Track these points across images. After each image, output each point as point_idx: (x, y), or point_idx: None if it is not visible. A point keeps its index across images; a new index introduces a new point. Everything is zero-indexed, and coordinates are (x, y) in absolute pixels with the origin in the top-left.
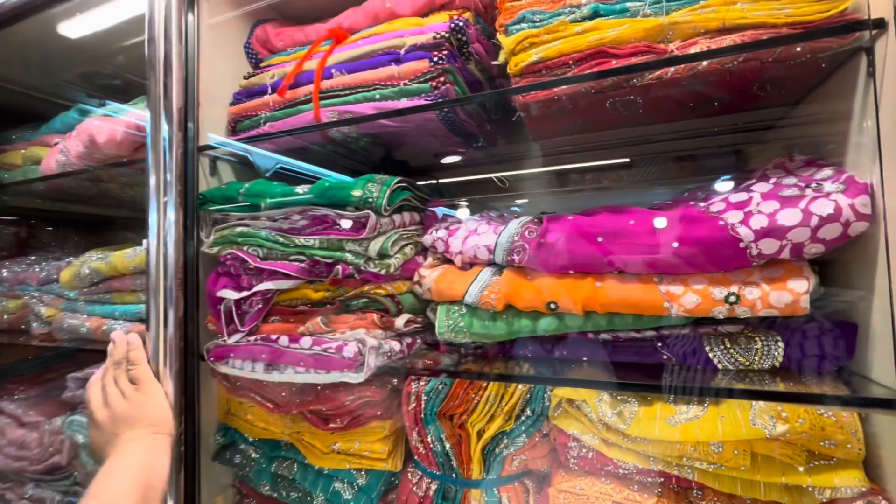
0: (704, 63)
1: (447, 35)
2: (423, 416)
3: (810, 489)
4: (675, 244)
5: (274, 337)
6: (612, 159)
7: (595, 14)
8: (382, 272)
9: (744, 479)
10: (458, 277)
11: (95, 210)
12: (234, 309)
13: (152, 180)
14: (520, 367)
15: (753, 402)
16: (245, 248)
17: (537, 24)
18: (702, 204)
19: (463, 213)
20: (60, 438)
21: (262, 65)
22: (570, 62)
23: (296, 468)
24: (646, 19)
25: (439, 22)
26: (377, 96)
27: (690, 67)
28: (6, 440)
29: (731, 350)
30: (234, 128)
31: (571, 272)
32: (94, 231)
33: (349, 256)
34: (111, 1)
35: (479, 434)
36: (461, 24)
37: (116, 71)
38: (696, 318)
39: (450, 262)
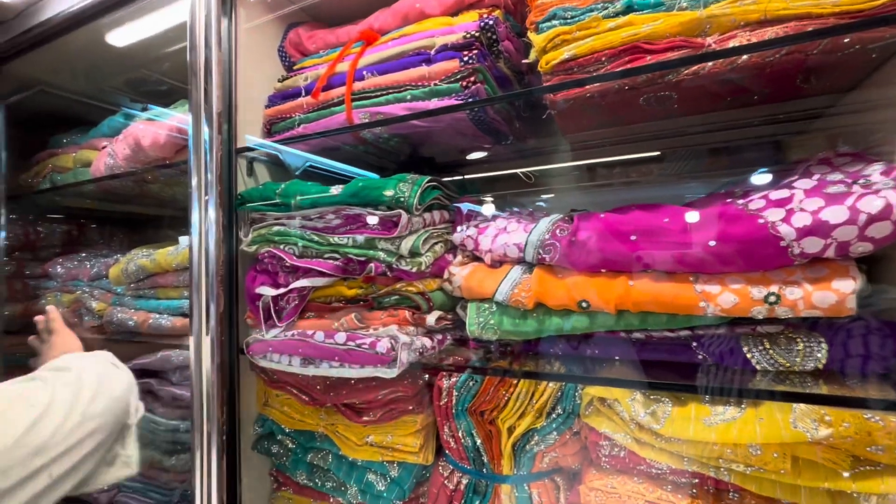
0: (744, 57)
1: (477, 34)
2: (454, 411)
3: (855, 495)
4: (712, 243)
5: (310, 332)
6: (642, 153)
7: (629, 9)
8: (414, 270)
9: (784, 483)
10: (487, 275)
11: (140, 209)
12: (271, 305)
13: (194, 181)
14: (550, 366)
15: (795, 405)
16: (282, 246)
17: (568, 20)
18: (740, 201)
19: (490, 209)
20: None
21: (295, 67)
22: (603, 58)
23: (330, 459)
24: (682, 13)
25: (469, 21)
26: (408, 97)
27: (730, 62)
28: None
29: (771, 351)
30: (270, 129)
31: (603, 270)
32: (139, 229)
33: (381, 255)
34: (155, 10)
35: (510, 430)
36: (491, 22)
37: (159, 76)
38: (733, 317)
39: (479, 259)
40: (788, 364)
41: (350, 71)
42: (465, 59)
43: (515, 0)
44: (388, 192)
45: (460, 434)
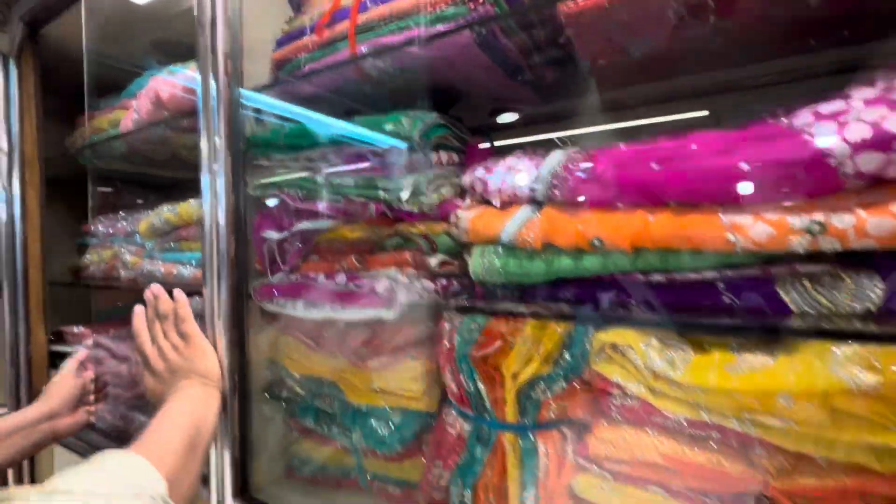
0: None
1: None
2: (455, 356)
3: None
4: (745, 166)
5: (312, 275)
6: (686, 112)
7: None
8: (416, 210)
9: (820, 438)
10: (495, 216)
11: (170, 173)
12: (276, 249)
13: (203, 130)
14: (558, 307)
15: (837, 350)
16: (286, 189)
17: None
18: (784, 119)
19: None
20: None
21: (302, 7)
22: None
23: (336, 405)
24: None
25: None
26: (412, 25)
27: None
28: (105, 369)
29: (812, 291)
30: (278, 73)
31: (620, 205)
32: (169, 191)
33: (381, 194)
34: None
35: (514, 377)
36: None
37: (179, 36)
38: (769, 255)
39: (489, 204)
40: (833, 305)
41: (354, 3)
42: None
43: None
44: (388, 126)
45: (462, 379)
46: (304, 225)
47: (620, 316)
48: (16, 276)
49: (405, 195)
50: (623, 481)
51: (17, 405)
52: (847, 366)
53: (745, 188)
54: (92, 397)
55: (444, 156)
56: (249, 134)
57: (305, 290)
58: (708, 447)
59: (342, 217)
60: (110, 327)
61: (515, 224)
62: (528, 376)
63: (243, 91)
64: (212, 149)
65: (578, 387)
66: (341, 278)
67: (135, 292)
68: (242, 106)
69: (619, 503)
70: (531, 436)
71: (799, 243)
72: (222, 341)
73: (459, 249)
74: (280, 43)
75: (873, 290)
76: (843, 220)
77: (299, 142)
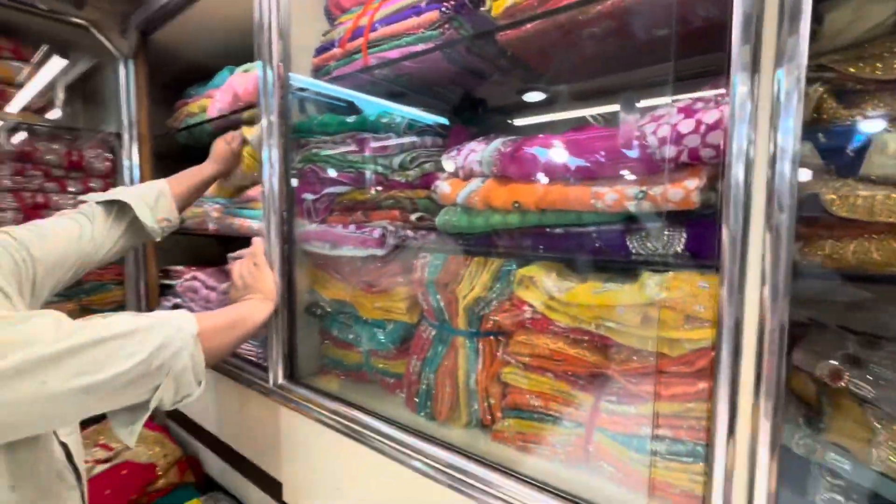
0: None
1: None
2: (425, 283)
3: (682, 341)
4: (603, 153)
5: (334, 225)
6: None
7: None
8: (403, 180)
9: (638, 335)
10: (457, 185)
11: None
12: (311, 207)
13: (263, 118)
14: (493, 249)
15: (650, 278)
16: (318, 164)
17: None
18: (641, 121)
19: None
20: (226, 298)
21: (335, 23)
22: (536, 3)
23: (352, 320)
24: None
25: None
26: (404, 43)
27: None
28: (199, 296)
29: (645, 240)
30: (315, 76)
31: (533, 179)
32: None
33: (379, 168)
34: None
35: (464, 298)
36: None
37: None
38: (624, 215)
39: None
40: (654, 249)
41: (368, 24)
42: (444, 9)
43: None
44: (384, 120)
45: (430, 299)
46: (329, 190)
47: (533, 256)
48: None
49: (395, 169)
50: (530, 370)
51: None
52: (652, 287)
53: (606, 168)
54: None
55: (428, 140)
56: (295, 120)
57: (330, 236)
58: (579, 344)
59: (354, 184)
60: (204, 265)
61: (467, 191)
62: (473, 298)
63: (291, 80)
64: (270, 125)
65: (506, 306)
66: (352, 227)
67: (217, 238)
68: (291, 91)
69: (525, 384)
70: (475, 339)
71: (631, 205)
72: (276, 272)
73: (434, 209)
74: (318, 51)
75: (679, 240)
76: (655, 191)
77: (324, 128)
